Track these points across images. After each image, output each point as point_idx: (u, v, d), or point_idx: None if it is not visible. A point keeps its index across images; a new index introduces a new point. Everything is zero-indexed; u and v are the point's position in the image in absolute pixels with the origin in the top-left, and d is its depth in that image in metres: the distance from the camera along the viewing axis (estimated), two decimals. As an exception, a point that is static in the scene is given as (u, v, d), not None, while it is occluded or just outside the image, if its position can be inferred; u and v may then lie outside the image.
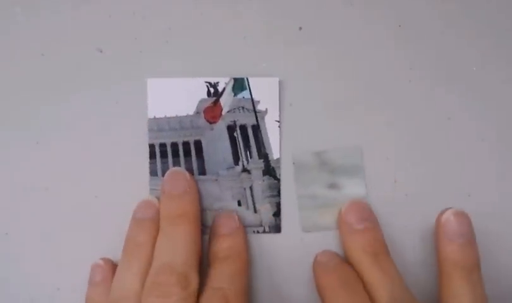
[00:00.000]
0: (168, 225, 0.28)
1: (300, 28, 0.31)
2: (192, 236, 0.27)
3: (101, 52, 0.30)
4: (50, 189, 0.30)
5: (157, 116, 0.30)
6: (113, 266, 0.29)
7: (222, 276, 0.27)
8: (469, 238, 0.28)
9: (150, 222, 0.28)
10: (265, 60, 0.31)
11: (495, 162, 0.31)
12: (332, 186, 0.30)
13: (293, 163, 0.30)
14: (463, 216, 0.29)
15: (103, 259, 0.29)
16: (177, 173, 0.29)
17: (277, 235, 0.30)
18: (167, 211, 0.28)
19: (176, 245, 0.27)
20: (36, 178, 0.30)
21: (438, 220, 0.29)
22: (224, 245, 0.28)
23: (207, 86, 0.30)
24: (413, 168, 0.31)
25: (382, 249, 0.29)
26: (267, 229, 0.30)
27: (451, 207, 0.29)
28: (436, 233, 0.29)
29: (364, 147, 0.31)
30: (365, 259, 0.28)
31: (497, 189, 0.31)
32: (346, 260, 0.29)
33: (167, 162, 0.30)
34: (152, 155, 0.30)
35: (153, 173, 0.30)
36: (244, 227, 0.30)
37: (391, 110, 0.31)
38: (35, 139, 0.30)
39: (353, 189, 0.30)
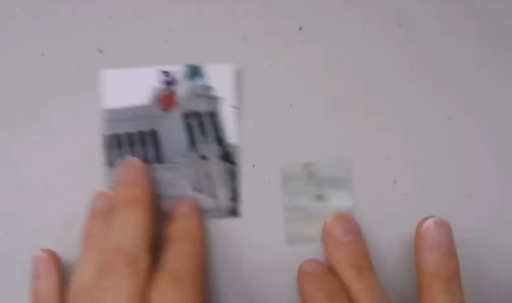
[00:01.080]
0: (118, 211, 0.27)
1: (300, 28, 0.31)
2: (143, 220, 0.27)
3: (101, 52, 0.30)
4: (50, 189, 0.30)
5: (111, 107, 0.30)
6: (55, 257, 0.29)
7: (174, 256, 0.27)
8: (450, 247, 0.28)
9: (104, 212, 0.28)
10: (265, 60, 0.31)
11: (495, 162, 0.31)
12: (319, 198, 0.30)
13: (282, 175, 0.30)
14: (443, 226, 0.28)
15: (44, 250, 0.29)
16: (129, 162, 0.29)
17: (235, 220, 0.30)
18: (118, 198, 0.28)
19: (125, 229, 0.26)
20: (36, 178, 0.30)
21: (418, 229, 0.29)
22: (177, 226, 0.28)
23: (161, 75, 0.30)
24: (413, 168, 0.31)
25: (365, 263, 0.28)
26: (225, 214, 0.30)
27: (431, 216, 0.29)
28: (415, 242, 0.29)
29: (364, 147, 0.31)
30: (348, 272, 0.28)
31: (497, 189, 0.31)
32: (330, 271, 0.29)
33: (123, 152, 0.30)
34: (108, 146, 0.30)
35: (109, 164, 0.30)
36: (200, 209, 0.30)
37: (391, 110, 0.31)
38: (35, 139, 0.30)
39: (339, 201, 0.30)
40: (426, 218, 0.29)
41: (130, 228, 0.26)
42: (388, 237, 0.30)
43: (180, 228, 0.28)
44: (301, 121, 0.31)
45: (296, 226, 0.30)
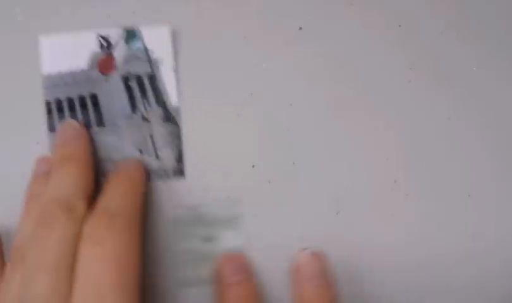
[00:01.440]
0: (55, 169, 0.28)
1: (300, 28, 0.31)
2: (79, 174, 0.27)
3: (101, 52, 0.30)
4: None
5: (50, 73, 0.30)
6: None
7: (109, 197, 0.27)
8: (326, 278, 0.28)
9: (44, 174, 0.28)
10: (265, 60, 0.31)
11: (495, 162, 0.31)
12: (208, 239, 0.30)
13: (170, 220, 0.30)
14: (318, 257, 0.29)
15: None
16: (66, 124, 0.29)
17: (181, 180, 0.30)
18: (54, 158, 0.28)
19: (61, 182, 0.27)
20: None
21: (294, 261, 0.29)
22: (115, 174, 0.28)
23: (99, 39, 0.30)
24: (413, 168, 0.31)
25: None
26: (170, 174, 0.30)
27: (306, 248, 0.29)
28: (292, 274, 0.29)
29: (364, 147, 0.31)
30: None
31: (497, 189, 0.31)
32: None
33: (64, 117, 0.30)
34: (49, 111, 0.30)
35: (51, 129, 0.30)
36: (140, 162, 0.30)
37: (391, 110, 0.31)
38: (35, 139, 0.30)
39: (229, 241, 0.30)
40: (301, 250, 0.29)
41: (65, 181, 0.27)
42: (387, 237, 0.30)
43: (117, 174, 0.28)
44: (301, 121, 0.31)
45: (188, 269, 0.30)
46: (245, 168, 0.30)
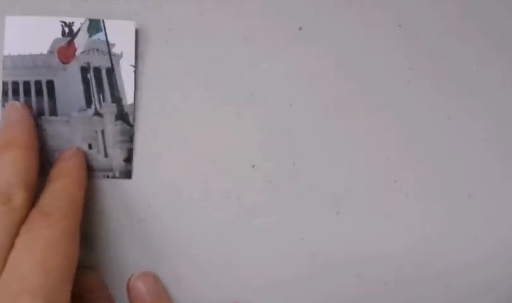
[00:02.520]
0: None
1: (300, 28, 0.31)
2: (20, 160, 0.27)
3: (101, 51, 0.30)
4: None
5: (11, 53, 0.29)
6: None
7: (47, 194, 0.27)
8: (159, 294, 0.29)
9: None
10: (265, 60, 0.31)
11: (495, 162, 0.31)
12: None
13: None
14: (146, 277, 0.29)
15: None
16: (11, 106, 0.29)
17: (127, 181, 0.30)
18: None
19: (1, 170, 0.26)
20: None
21: (127, 288, 0.29)
22: (56, 168, 0.28)
23: (62, 26, 0.29)
24: (413, 168, 0.31)
25: None
26: (117, 174, 0.30)
27: (134, 273, 0.30)
28: (128, 300, 0.29)
29: (364, 147, 0.31)
30: None
31: (497, 189, 0.31)
32: None
33: (18, 100, 0.29)
34: (5, 93, 0.29)
35: None
36: (82, 153, 0.29)
37: (391, 110, 0.31)
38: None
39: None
40: (130, 277, 0.30)
41: (6, 169, 0.26)
42: (387, 237, 0.30)
43: (57, 169, 0.28)
44: (301, 121, 0.31)
45: None
46: (245, 168, 0.30)
